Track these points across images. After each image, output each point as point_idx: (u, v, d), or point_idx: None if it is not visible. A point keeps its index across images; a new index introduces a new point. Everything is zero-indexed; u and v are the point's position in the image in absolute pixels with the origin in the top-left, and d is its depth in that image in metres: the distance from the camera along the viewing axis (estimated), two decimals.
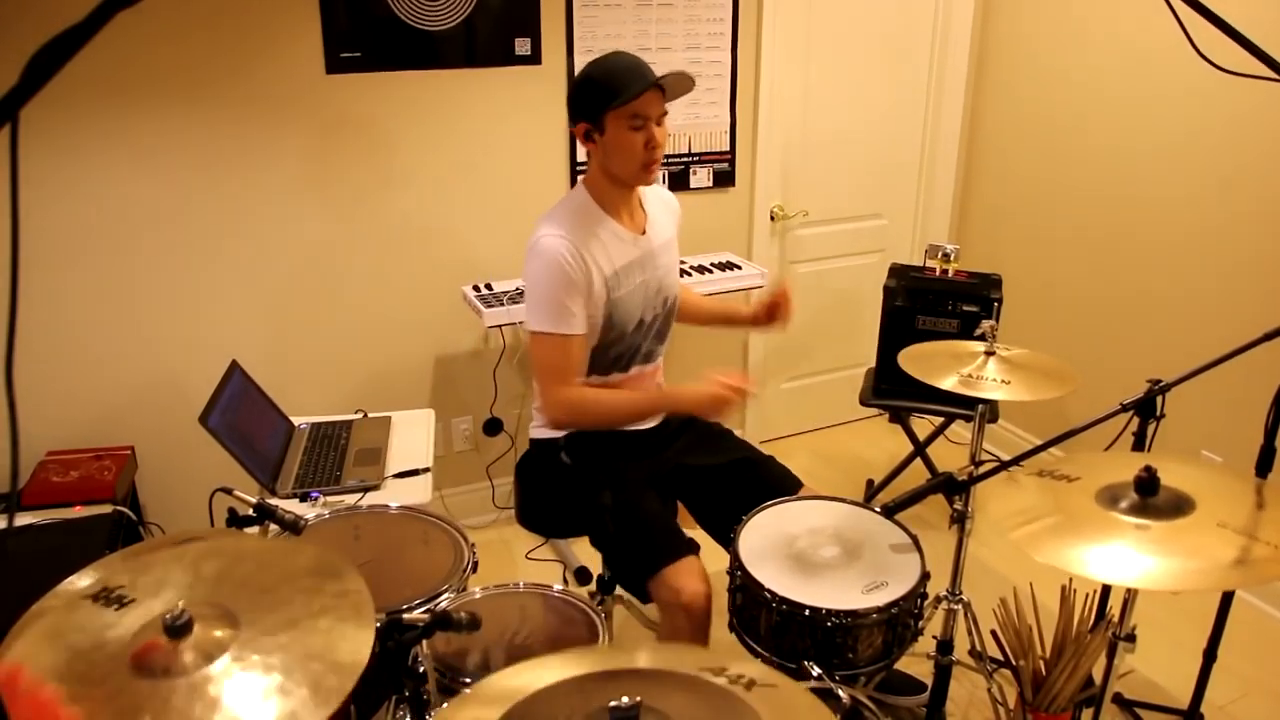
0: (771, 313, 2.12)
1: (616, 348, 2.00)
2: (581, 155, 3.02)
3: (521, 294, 2.77)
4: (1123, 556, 1.27)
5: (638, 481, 2.00)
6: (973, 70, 3.57)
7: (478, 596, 1.75)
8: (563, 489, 2.06)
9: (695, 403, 1.88)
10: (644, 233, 2.00)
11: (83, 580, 1.15)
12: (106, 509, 2.24)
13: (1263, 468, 1.79)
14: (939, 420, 3.26)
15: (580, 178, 1.97)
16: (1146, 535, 1.29)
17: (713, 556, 1.94)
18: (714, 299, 2.26)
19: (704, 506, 2.12)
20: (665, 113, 1.86)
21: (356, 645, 0.99)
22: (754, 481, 2.05)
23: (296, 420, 2.43)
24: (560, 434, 2.05)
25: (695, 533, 2.12)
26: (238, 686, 0.94)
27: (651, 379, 2.12)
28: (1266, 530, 1.26)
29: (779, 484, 2.05)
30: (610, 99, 1.80)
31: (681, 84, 1.83)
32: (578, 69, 2.92)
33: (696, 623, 1.80)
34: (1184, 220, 2.87)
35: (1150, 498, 1.35)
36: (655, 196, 2.10)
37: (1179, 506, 1.33)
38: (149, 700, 0.92)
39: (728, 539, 1.84)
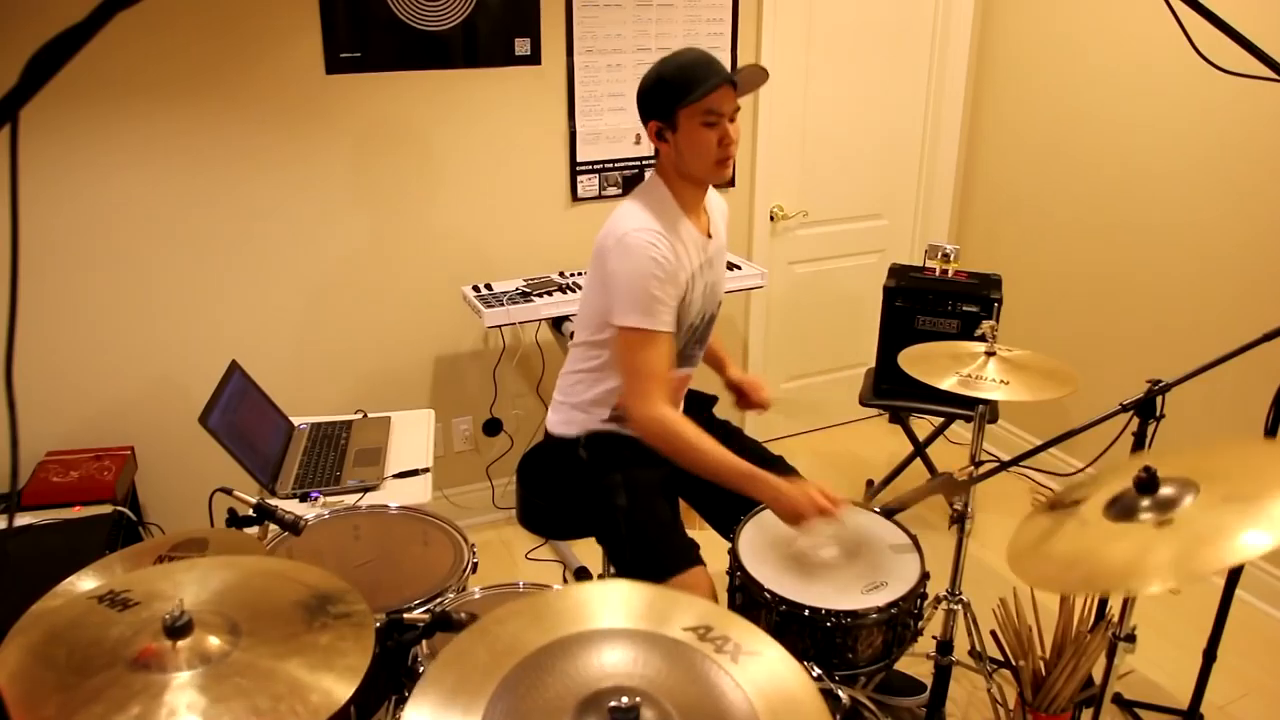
0: (743, 398, 2.14)
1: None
2: (583, 155, 3.02)
3: (521, 296, 2.77)
4: (1155, 555, 1.23)
5: (651, 486, 1.98)
6: (973, 70, 3.57)
7: (478, 596, 1.75)
8: (575, 486, 2.04)
9: (779, 501, 1.75)
10: (709, 235, 1.96)
11: (93, 581, 1.15)
12: (106, 509, 2.24)
13: None
14: (939, 420, 3.26)
15: (650, 173, 1.94)
16: (1169, 530, 1.27)
17: (717, 554, 1.94)
18: (716, 338, 2.23)
19: (711, 506, 2.12)
20: (738, 108, 1.82)
21: (350, 664, 1.00)
22: None
23: (296, 420, 2.43)
24: (580, 433, 2.03)
25: (700, 532, 2.12)
26: (227, 690, 0.95)
27: (684, 383, 2.09)
28: (1273, 488, 1.23)
29: None
30: (682, 96, 1.76)
31: (755, 77, 1.79)
32: (578, 69, 2.92)
33: None
34: (1184, 220, 2.87)
35: (1155, 495, 1.34)
36: (714, 199, 2.06)
37: (1186, 491, 1.32)
38: (140, 695, 0.93)
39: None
